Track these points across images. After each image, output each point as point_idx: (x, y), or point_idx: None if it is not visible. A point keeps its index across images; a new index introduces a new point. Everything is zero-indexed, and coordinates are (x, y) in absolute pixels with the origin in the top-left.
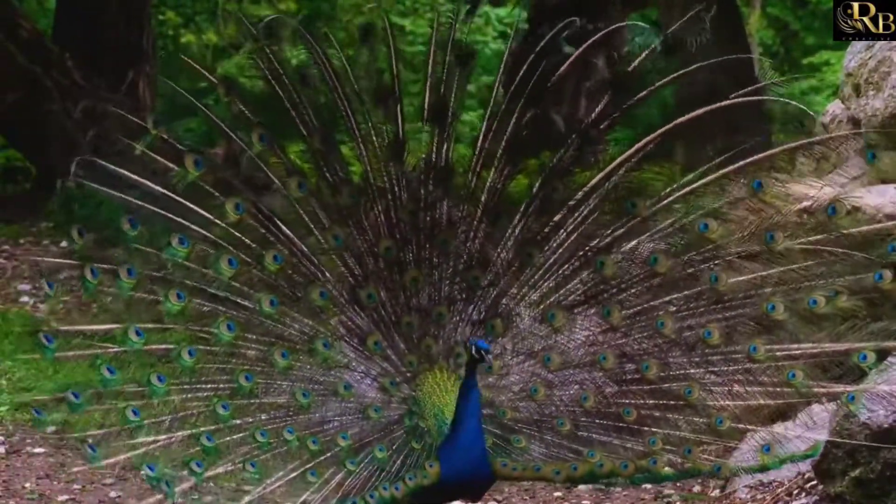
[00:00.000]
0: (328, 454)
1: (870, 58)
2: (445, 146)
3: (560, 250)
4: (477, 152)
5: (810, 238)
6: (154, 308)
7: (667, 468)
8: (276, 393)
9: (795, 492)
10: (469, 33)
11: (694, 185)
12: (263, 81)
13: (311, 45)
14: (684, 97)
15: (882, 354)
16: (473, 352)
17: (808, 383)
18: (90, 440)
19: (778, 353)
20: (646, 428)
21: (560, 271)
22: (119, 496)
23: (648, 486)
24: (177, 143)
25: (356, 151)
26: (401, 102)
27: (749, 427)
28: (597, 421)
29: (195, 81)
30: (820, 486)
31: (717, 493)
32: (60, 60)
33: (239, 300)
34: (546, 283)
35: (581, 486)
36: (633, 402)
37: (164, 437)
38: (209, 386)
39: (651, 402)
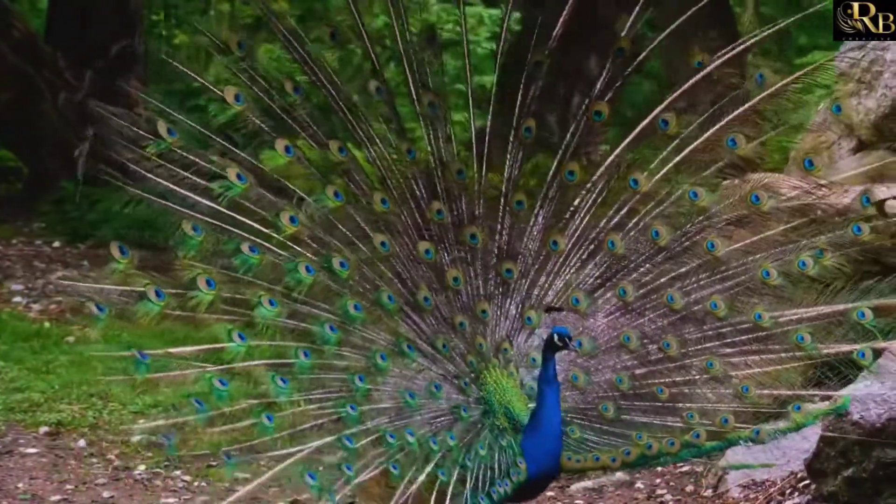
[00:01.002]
0: (441, 453)
1: (862, 57)
2: (443, 134)
3: (577, 234)
4: (486, 147)
5: (793, 198)
6: (244, 318)
7: (709, 441)
8: (386, 397)
9: (788, 491)
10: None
11: (684, 153)
12: (252, 92)
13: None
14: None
15: (877, 312)
16: (556, 340)
17: (817, 345)
18: (231, 453)
19: (781, 319)
20: (680, 404)
21: (578, 256)
22: (112, 496)
23: (641, 486)
24: (207, 163)
25: (365, 155)
26: (385, 83)
27: (774, 392)
28: (635, 403)
29: (187, 82)
30: (813, 486)
31: (709, 492)
32: (52, 60)
33: (321, 306)
34: (568, 270)
35: (573, 487)
36: (663, 380)
37: (297, 447)
38: (329, 391)
39: (679, 378)
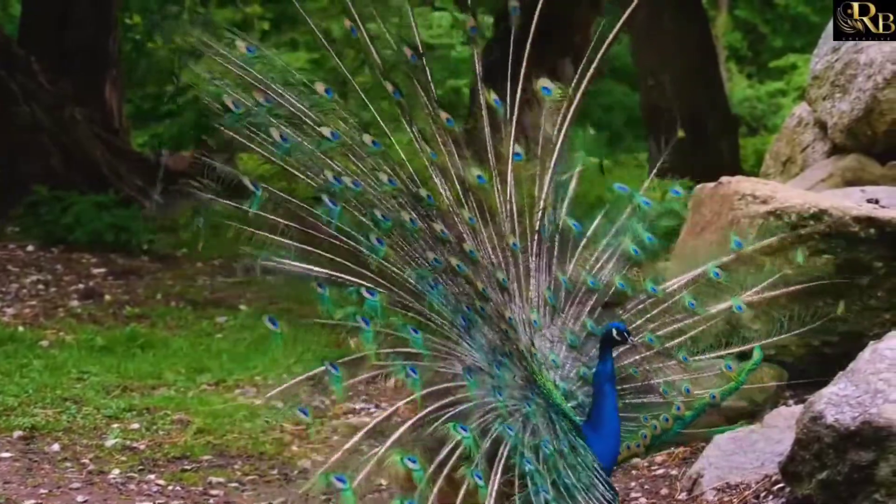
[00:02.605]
0: (563, 463)
1: (836, 60)
2: (393, 164)
3: (518, 229)
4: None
5: None
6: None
7: (686, 411)
8: (517, 415)
9: (763, 494)
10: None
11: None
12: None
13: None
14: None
15: (725, 268)
16: (615, 335)
17: (705, 307)
18: None
19: (669, 289)
20: (653, 381)
21: (534, 244)
22: (86, 500)
23: None
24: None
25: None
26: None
27: (702, 357)
28: (625, 386)
29: (161, 85)
30: (787, 489)
31: (684, 496)
32: (27, 65)
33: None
34: (533, 262)
35: None
36: (630, 360)
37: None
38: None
39: (637, 357)
